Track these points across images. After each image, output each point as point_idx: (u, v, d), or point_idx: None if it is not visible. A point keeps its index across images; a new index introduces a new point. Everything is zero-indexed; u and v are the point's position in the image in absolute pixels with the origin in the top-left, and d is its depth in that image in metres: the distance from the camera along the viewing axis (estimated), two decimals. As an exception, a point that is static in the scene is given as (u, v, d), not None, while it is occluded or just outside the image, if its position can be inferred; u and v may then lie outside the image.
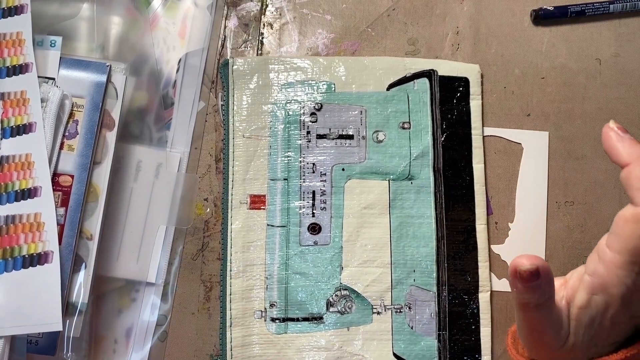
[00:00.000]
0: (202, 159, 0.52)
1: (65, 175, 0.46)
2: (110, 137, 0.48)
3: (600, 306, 0.34)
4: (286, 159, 0.51)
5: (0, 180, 0.45)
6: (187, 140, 0.52)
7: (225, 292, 0.49)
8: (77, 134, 0.47)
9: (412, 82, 0.52)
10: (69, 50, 0.50)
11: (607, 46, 0.54)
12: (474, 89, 0.52)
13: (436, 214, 0.51)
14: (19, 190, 0.45)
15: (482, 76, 0.53)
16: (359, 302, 0.50)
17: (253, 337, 0.49)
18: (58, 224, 0.45)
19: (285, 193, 0.50)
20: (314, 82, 0.52)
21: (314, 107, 0.51)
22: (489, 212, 0.52)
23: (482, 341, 0.49)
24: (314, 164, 0.51)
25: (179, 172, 0.51)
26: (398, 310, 0.50)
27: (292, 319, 0.49)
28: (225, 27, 0.53)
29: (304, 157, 0.51)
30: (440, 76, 0.52)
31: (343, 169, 0.51)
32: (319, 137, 0.51)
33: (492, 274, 0.51)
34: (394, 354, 0.49)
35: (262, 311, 0.49)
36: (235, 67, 0.51)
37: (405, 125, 0.51)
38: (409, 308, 0.50)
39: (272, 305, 0.49)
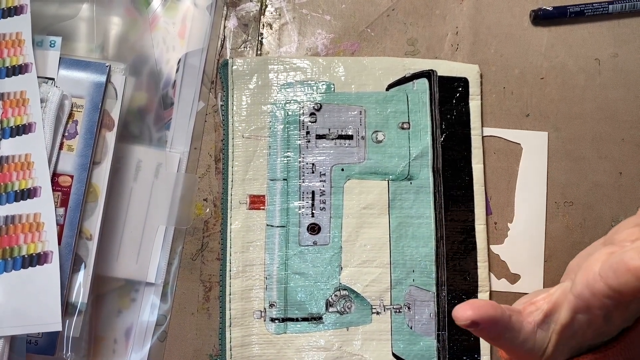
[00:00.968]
0: (201, 159, 0.52)
1: (64, 175, 0.46)
2: (110, 137, 0.48)
3: (584, 324, 0.34)
4: (285, 159, 0.51)
5: (0, 180, 0.45)
6: (186, 140, 0.52)
7: (225, 292, 0.49)
8: (77, 134, 0.47)
9: (411, 82, 0.52)
10: (68, 51, 0.50)
11: (606, 46, 0.54)
12: (473, 89, 0.52)
13: (435, 214, 0.51)
14: (18, 191, 0.45)
15: (481, 76, 0.53)
16: (358, 302, 0.50)
17: (252, 337, 0.49)
18: (58, 224, 0.45)
19: (285, 193, 0.51)
20: (313, 82, 0.52)
21: (314, 107, 0.51)
22: (488, 212, 0.52)
23: (481, 341, 0.49)
24: (313, 164, 0.51)
25: (179, 172, 0.51)
26: (397, 310, 0.50)
27: (292, 319, 0.49)
28: (224, 27, 0.53)
29: (303, 158, 0.51)
30: (439, 76, 0.52)
31: (342, 169, 0.51)
32: (319, 137, 0.51)
33: (491, 274, 0.51)
34: (393, 354, 0.49)
35: (261, 311, 0.49)
36: (234, 67, 0.52)
37: (405, 126, 0.51)
38: (408, 308, 0.50)
39: (271, 306, 0.49)
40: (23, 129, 0.46)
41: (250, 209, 0.50)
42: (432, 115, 0.51)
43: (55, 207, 0.45)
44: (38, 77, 0.47)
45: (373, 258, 0.50)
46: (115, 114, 0.48)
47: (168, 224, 0.51)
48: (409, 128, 0.51)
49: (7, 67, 0.47)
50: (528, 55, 0.54)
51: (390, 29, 0.54)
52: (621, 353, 0.35)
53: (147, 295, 0.50)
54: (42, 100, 0.46)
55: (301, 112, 0.51)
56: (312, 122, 0.51)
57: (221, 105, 0.52)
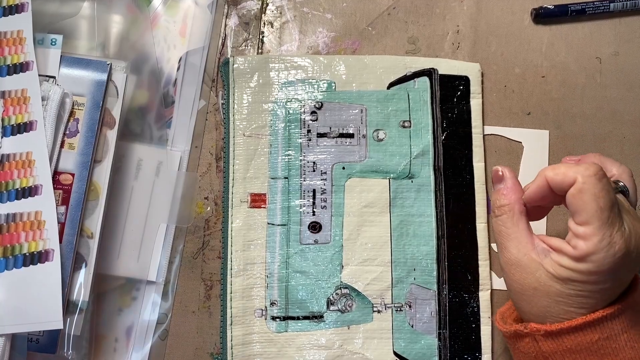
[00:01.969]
0: (202, 158, 0.52)
1: (65, 173, 0.46)
2: (111, 135, 0.48)
3: (583, 273, 0.37)
4: (287, 157, 0.51)
5: (1, 179, 0.45)
6: (187, 138, 0.52)
7: (226, 291, 0.49)
8: (78, 132, 0.47)
9: (412, 80, 0.52)
10: (69, 49, 0.50)
11: (607, 45, 0.54)
12: (475, 88, 0.52)
13: (436, 212, 0.51)
14: (19, 189, 0.45)
15: (482, 75, 0.53)
16: (359, 301, 0.50)
17: (253, 336, 0.49)
18: (59, 222, 0.45)
19: (286, 191, 0.50)
20: (314, 80, 0.52)
21: (315, 105, 0.51)
22: (489, 210, 0.52)
23: (482, 339, 0.49)
24: (314, 162, 0.51)
25: (180, 171, 0.51)
26: (398, 309, 0.50)
27: (293, 318, 0.49)
28: (225, 25, 0.53)
29: (304, 156, 0.51)
30: (440, 75, 0.52)
31: (343, 168, 0.51)
32: (320, 135, 0.51)
33: (493, 273, 0.51)
34: (395, 353, 0.49)
35: (262, 310, 0.49)
36: (235, 65, 0.52)
37: (406, 124, 0.51)
38: (410, 306, 0.50)
39: (272, 304, 0.49)
40: (24, 127, 0.46)
41: (251, 207, 0.50)
42: (433, 113, 0.51)
43: (56, 206, 0.45)
44: (39, 75, 0.47)
45: (374, 256, 0.50)
46: (116, 112, 0.48)
47: (169, 223, 0.51)
48: (410, 126, 0.51)
49: (8, 65, 0.47)
50: (529, 53, 0.54)
51: (391, 28, 0.54)
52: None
53: (148, 293, 0.50)
54: (43, 99, 0.46)
55: (302, 110, 0.51)
56: (313, 121, 0.51)
57: (222, 104, 0.52)
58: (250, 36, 0.53)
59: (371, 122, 0.51)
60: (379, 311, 0.50)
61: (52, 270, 0.44)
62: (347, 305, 0.50)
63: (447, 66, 0.52)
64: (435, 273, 0.50)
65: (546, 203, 0.41)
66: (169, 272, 0.50)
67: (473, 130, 0.52)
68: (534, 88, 0.53)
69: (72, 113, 0.47)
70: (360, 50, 0.53)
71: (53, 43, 0.48)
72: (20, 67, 0.47)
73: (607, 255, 0.36)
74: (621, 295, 0.39)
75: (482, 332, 0.50)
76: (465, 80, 0.52)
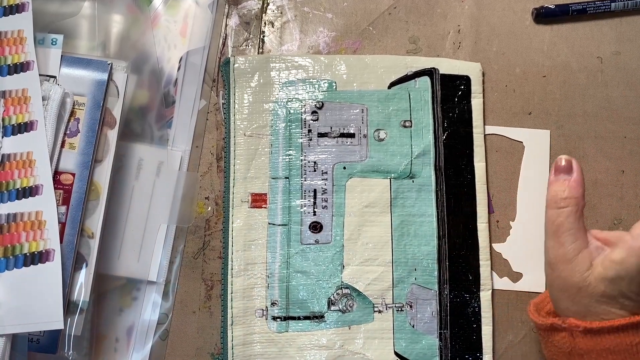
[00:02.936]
0: (203, 158, 0.52)
1: (66, 173, 0.46)
2: (112, 135, 0.48)
3: (633, 269, 0.37)
4: (287, 157, 0.51)
5: (1, 179, 0.45)
6: (188, 138, 0.52)
7: (227, 291, 0.49)
8: (78, 132, 0.47)
9: (413, 80, 0.52)
10: (70, 49, 0.50)
11: (609, 44, 0.54)
12: (476, 87, 0.52)
13: (437, 212, 0.51)
14: (20, 189, 0.45)
15: (483, 74, 0.53)
16: (360, 301, 0.50)
17: (254, 336, 0.49)
18: (59, 222, 0.45)
19: (287, 191, 0.50)
20: (315, 80, 0.52)
21: (315, 105, 0.51)
22: (490, 210, 0.52)
23: (483, 339, 0.49)
24: (315, 162, 0.51)
25: (180, 171, 0.51)
26: (399, 309, 0.50)
27: (294, 318, 0.49)
28: (226, 25, 0.53)
29: (305, 156, 0.51)
30: (441, 74, 0.52)
31: (344, 168, 0.51)
32: (320, 135, 0.51)
33: (494, 273, 0.51)
34: (395, 353, 0.49)
35: (263, 310, 0.49)
36: (236, 65, 0.51)
37: (407, 124, 0.51)
38: (410, 307, 0.50)
39: (273, 304, 0.49)
40: (25, 127, 0.46)
41: (252, 207, 0.50)
42: (434, 113, 0.51)
43: (57, 205, 0.45)
44: (40, 75, 0.47)
45: (375, 256, 0.50)
46: (116, 112, 0.48)
47: (169, 223, 0.51)
48: (411, 126, 0.51)
49: (9, 64, 0.47)
50: (530, 53, 0.54)
51: (392, 27, 0.54)
52: None
53: (148, 293, 0.50)
54: (43, 98, 0.46)
55: (303, 110, 0.51)
56: (314, 121, 0.51)
57: (223, 104, 0.52)
58: (251, 36, 0.53)
59: (372, 122, 0.51)
60: (379, 311, 0.50)
61: (52, 270, 0.44)
62: (348, 305, 0.50)
63: (448, 66, 0.52)
64: (436, 273, 0.50)
65: None
66: (170, 272, 0.50)
67: (474, 130, 0.52)
68: (535, 88, 0.53)
69: (72, 113, 0.47)
70: (361, 50, 0.53)
71: (54, 43, 0.48)
72: (21, 67, 0.47)
73: None
74: None
75: (483, 332, 0.49)
76: (466, 80, 0.52)
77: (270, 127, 0.51)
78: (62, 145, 0.47)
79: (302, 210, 0.50)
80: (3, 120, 0.46)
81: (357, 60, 0.52)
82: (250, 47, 0.53)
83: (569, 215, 0.39)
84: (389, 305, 0.50)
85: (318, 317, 0.49)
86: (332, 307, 0.49)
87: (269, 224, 0.50)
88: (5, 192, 0.45)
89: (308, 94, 0.51)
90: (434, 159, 0.51)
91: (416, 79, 0.52)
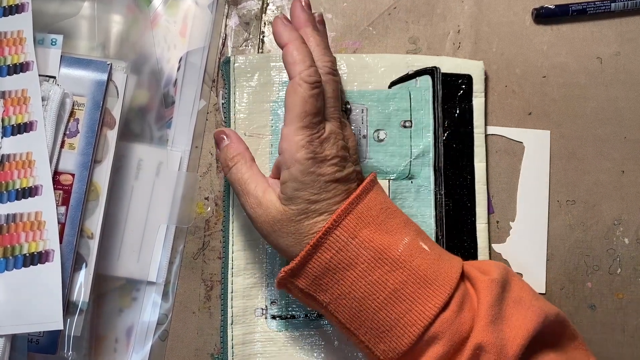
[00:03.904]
0: (203, 158, 0.52)
1: (66, 173, 0.46)
2: (111, 135, 0.48)
3: (286, 175, 0.41)
4: (287, 157, 0.51)
5: (1, 179, 0.45)
6: (188, 138, 0.52)
7: (227, 290, 0.49)
8: (78, 132, 0.47)
9: (414, 79, 0.52)
10: (69, 49, 0.50)
11: (609, 45, 0.54)
12: (477, 87, 0.52)
13: (436, 212, 0.50)
14: (19, 189, 0.45)
15: (485, 73, 0.53)
16: (360, 301, 0.50)
17: (254, 335, 0.49)
18: (59, 222, 0.45)
19: (286, 192, 0.50)
20: (315, 80, 0.52)
21: (315, 105, 0.51)
22: (490, 211, 0.52)
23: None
24: (315, 162, 0.51)
25: (180, 171, 0.51)
26: (399, 309, 0.50)
27: (293, 317, 0.49)
28: (226, 25, 0.53)
29: (305, 156, 0.51)
30: (443, 73, 0.51)
31: (344, 168, 0.51)
32: (320, 135, 0.51)
33: (493, 273, 0.51)
34: (395, 353, 0.49)
35: (262, 309, 0.49)
36: (236, 64, 0.51)
37: (407, 124, 0.51)
38: (410, 307, 0.50)
39: (272, 303, 0.49)
40: (24, 127, 0.46)
41: (251, 207, 0.50)
42: (434, 113, 0.51)
43: (57, 206, 0.45)
44: (39, 75, 0.47)
45: (375, 257, 0.50)
46: (116, 113, 0.48)
47: (169, 223, 0.51)
48: (411, 126, 0.51)
49: (9, 65, 0.46)
50: (530, 53, 0.54)
51: (392, 28, 0.54)
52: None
53: (148, 294, 0.50)
54: (43, 99, 0.46)
55: (303, 110, 0.51)
56: (313, 121, 0.51)
57: (222, 104, 0.52)
58: (251, 36, 0.53)
59: (372, 122, 0.51)
60: (379, 312, 0.50)
61: (52, 270, 0.44)
62: (348, 305, 0.49)
63: (450, 64, 0.52)
64: (436, 273, 0.50)
65: None
66: (169, 272, 0.50)
67: (475, 130, 0.52)
68: (535, 88, 0.53)
69: (72, 113, 0.47)
70: (361, 50, 0.53)
71: (53, 43, 0.48)
72: (21, 67, 0.47)
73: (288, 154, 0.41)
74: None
75: (483, 333, 0.49)
76: (467, 79, 0.52)
77: (270, 127, 0.51)
78: (62, 146, 0.47)
79: (301, 210, 0.50)
80: (3, 120, 0.46)
81: (357, 59, 0.52)
82: (250, 47, 0.53)
83: (241, 167, 0.44)
84: (388, 306, 0.50)
85: (317, 316, 0.49)
86: (332, 308, 0.49)
87: (269, 224, 0.50)
88: (4, 192, 0.45)
89: (308, 94, 0.51)
90: (434, 159, 0.51)
91: (417, 78, 0.52)
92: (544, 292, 0.51)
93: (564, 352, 0.42)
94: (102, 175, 0.47)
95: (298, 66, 0.41)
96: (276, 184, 0.43)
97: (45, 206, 0.45)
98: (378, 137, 0.51)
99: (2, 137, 0.45)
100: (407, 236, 0.41)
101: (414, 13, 0.54)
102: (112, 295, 0.50)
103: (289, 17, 0.45)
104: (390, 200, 0.44)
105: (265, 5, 0.54)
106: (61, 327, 0.43)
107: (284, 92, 0.51)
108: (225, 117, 0.51)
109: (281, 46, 0.42)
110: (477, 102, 0.52)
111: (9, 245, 0.44)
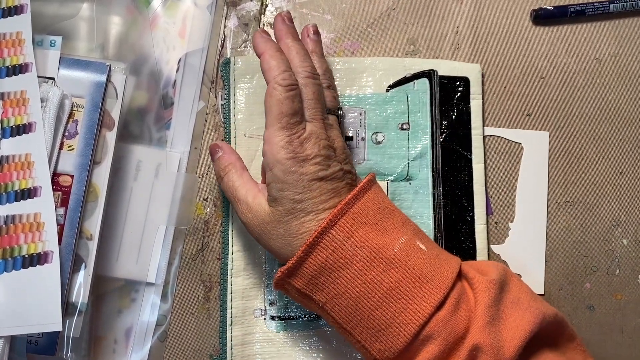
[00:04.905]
0: (202, 159, 0.52)
1: (65, 175, 0.46)
2: (110, 137, 0.48)
3: (270, 177, 0.42)
4: (286, 158, 0.51)
5: (0, 180, 0.45)
6: (187, 140, 0.52)
7: (226, 291, 0.49)
8: (77, 133, 0.47)
9: (411, 82, 0.52)
10: (68, 50, 0.50)
11: (607, 46, 0.54)
12: (475, 89, 0.52)
13: (434, 214, 0.50)
14: (18, 190, 0.45)
15: (482, 76, 0.53)
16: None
17: (253, 336, 0.49)
18: (58, 223, 0.45)
19: (285, 193, 0.50)
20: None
21: (314, 107, 0.51)
22: (489, 212, 0.52)
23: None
24: (313, 163, 0.51)
25: (179, 172, 0.51)
26: (398, 310, 0.50)
27: (292, 317, 0.49)
28: (225, 26, 0.53)
29: (303, 157, 0.51)
30: (440, 76, 0.52)
31: (343, 169, 0.51)
32: (319, 137, 0.51)
33: (492, 274, 0.51)
34: (394, 354, 0.49)
35: (262, 309, 0.49)
36: (236, 66, 0.51)
37: (404, 126, 0.51)
38: (409, 308, 0.50)
39: (271, 304, 0.49)
40: (23, 129, 0.46)
41: (250, 208, 0.50)
42: (432, 115, 0.51)
43: (56, 207, 0.45)
44: (38, 76, 0.47)
45: (373, 258, 0.50)
46: (115, 114, 0.48)
47: (168, 224, 0.51)
48: (408, 129, 0.51)
49: (7, 66, 0.47)
50: (528, 55, 0.54)
51: (391, 29, 0.54)
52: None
53: (147, 295, 0.50)
54: (42, 100, 0.46)
55: (301, 111, 0.51)
56: (312, 122, 0.51)
57: (222, 105, 0.52)
58: (250, 37, 0.53)
59: (370, 125, 0.51)
60: (378, 312, 0.50)
61: (51, 272, 0.44)
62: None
63: (447, 67, 0.52)
64: (434, 274, 0.50)
65: None
66: (168, 273, 0.50)
67: (473, 131, 0.52)
68: (534, 89, 0.53)
69: (71, 114, 0.47)
70: (360, 52, 0.53)
71: (52, 44, 0.48)
72: (20, 69, 0.47)
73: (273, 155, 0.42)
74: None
75: (481, 334, 0.49)
76: (465, 82, 0.52)
77: (268, 128, 0.51)
78: (61, 147, 0.47)
79: (300, 211, 0.50)
80: (1, 122, 0.46)
81: (355, 62, 0.52)
82: (249, 48, 0.53)
83: (232, 176, 0.46)
84: (387, 307, 0.50)
85: (316, 317, 0.49)
86: (331, 309, 0.49)
87: (268, 225, 0.50)
88: (3, 193, 0.45)
89: (307, 95, 0.51)
90: (431, 160, 0.51)
91: (415, 81, 0.52)
92: (542, 292, 0.51)
93: (563, 353, 0.42)
94: (101, 176, 0.48)
95: (273, 71, 0.43)
96: (265, 188, 0.44)
97: (44, 207, 0.45)
98: (376, 139, 0.51)
99: (1, 139, 0.45)
100: (404, 236, 0.41)
101: (413, 14, 0.54)
102: (111, 296, 0.50)
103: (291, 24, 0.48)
104: (389, 200, 0.44)
105: (264, 7, 0.54)
106: (60, 328, 0.43)
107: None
108: (224, 118, 0.52)
109: (259, 55, 0.45)
110: (475, 104, 0.52)
111: (8, 247, 0.44)
